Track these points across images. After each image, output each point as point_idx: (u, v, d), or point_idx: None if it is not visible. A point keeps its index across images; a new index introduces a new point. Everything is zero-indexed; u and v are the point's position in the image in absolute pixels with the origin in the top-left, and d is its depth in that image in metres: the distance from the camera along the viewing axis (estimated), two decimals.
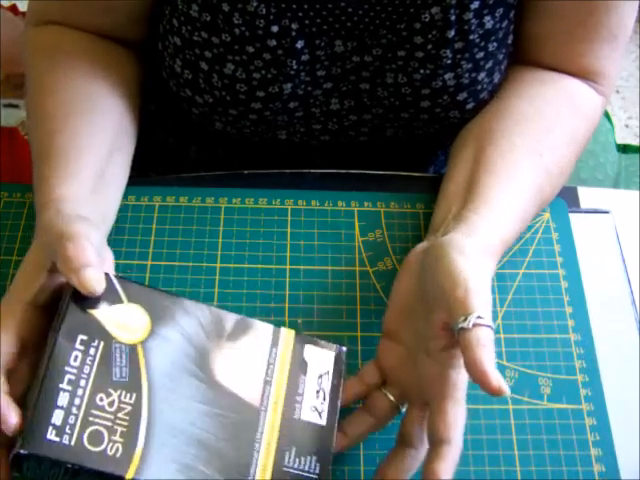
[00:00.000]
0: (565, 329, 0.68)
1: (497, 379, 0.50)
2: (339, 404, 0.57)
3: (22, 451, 0.48)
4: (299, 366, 0.57)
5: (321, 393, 0.56)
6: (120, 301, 0.55)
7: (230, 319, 0.57)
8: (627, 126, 1.99)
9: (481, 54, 0.69)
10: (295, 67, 0.69)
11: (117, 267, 0.66)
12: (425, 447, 0.54)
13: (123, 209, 0.71)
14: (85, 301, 0.54)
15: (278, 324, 0.60)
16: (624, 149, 1.13)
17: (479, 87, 0.71)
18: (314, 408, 0.56)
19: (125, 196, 0.71)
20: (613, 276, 0.72)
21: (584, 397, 0.65)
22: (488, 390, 0.50)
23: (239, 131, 0.74)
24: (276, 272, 0.70)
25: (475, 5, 0.66)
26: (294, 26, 0.66)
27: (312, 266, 0.70)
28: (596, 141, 1.09)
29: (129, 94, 0.72)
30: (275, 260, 0.70)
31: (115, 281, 0.55)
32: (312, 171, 0.77)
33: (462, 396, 0.53)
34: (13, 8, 1.17)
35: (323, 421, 0.55)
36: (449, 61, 0.68)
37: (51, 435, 0.49)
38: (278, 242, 0.71)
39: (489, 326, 0.52)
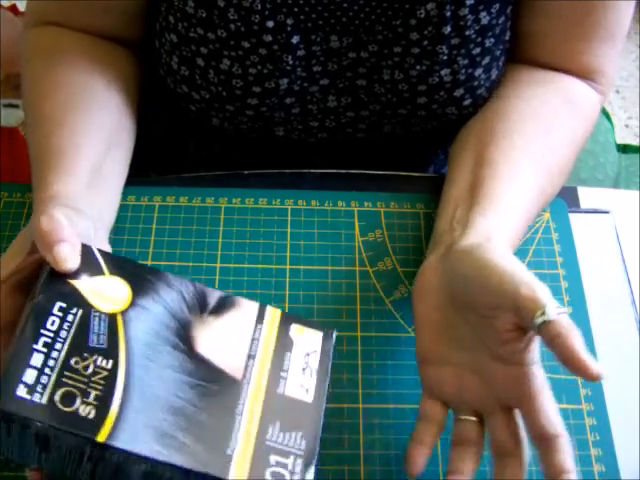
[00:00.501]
0: None
1: (595, 364, 0.49)
2: (327, 384, 0.56)
3: None
4: (285, 343, 0.56)
5: (308, 370, 0.55)
6: (101, 273, 0.54)
7: (215, 295, 0.57)
8: (627, 126, 1.99)
9: (477, 50, 0.69)
10: (291, 62, 0.69)
11: None
12: (525, 448, 0.53)
13: (123, 209, 0.70)
14: None
15: None
16: (624, 149, 1.13)
17: (476, 83, 0.71)
18: (300, 385, 0.55)
19: (125, 196, 0.71)
20: (613, 276, 0.72)
21: (584, 397, 0.65)
22: (587, 377, 0.49)
23: (236, 127, 0.74)
24: (276, 272, 0.70)
25: (470, 1, 0.66)
26: (289, 21, 0.67)
27: (312, 266, 0.70)
28: (596, 141, 1.09)
29: (127, 91, 0.72)
30: (275, 260, 0.70)
31: (97, 253, 0.55)
32: (312, 171, 0.77)
33: (548, 386, 0.54)
34: (13, 8, 1.17)
35: (310, 398, 0.54)
36: (445, 57, 0.68)
37: (21, 392, 0.48)
38: (278, 242, 0.71)
39: (566, 311, 0.52)
